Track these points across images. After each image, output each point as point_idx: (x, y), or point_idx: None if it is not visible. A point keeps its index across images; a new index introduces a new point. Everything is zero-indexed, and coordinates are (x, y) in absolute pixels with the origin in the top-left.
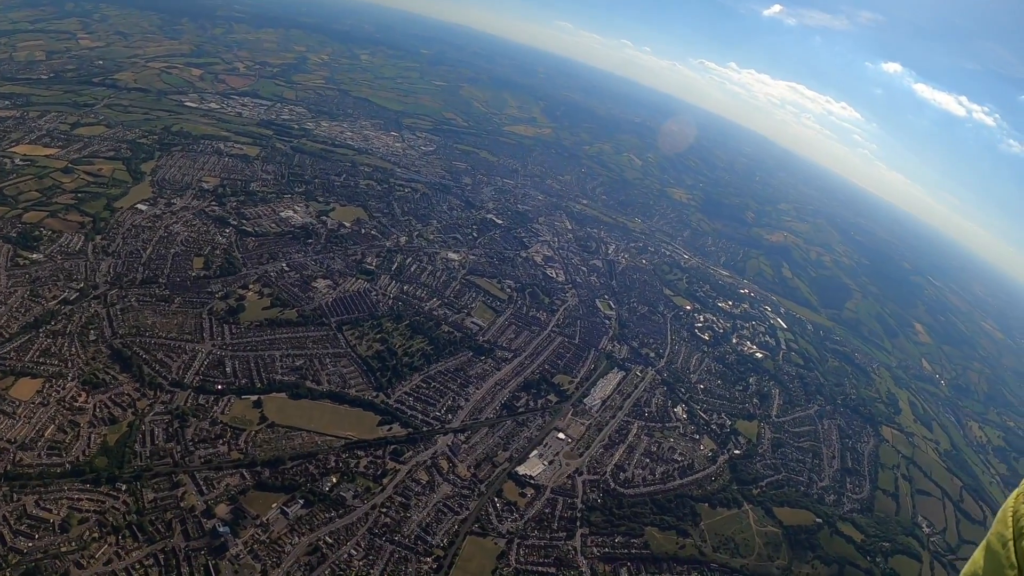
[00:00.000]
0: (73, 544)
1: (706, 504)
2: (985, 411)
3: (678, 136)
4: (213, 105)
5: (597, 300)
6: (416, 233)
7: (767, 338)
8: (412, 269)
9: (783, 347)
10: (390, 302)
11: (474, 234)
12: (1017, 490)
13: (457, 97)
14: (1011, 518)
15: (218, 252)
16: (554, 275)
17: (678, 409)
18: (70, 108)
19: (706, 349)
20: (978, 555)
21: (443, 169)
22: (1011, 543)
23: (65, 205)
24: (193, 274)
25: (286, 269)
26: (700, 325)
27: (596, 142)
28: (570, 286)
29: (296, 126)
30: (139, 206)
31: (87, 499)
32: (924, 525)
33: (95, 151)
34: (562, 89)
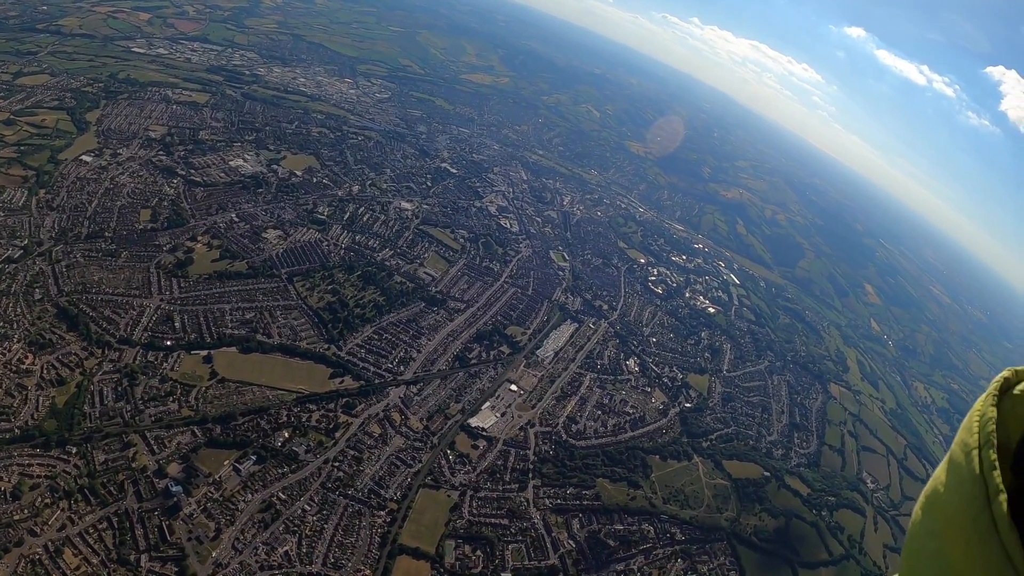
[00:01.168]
0: (25, 511)
1: (657, 456)
2: (931, 372)
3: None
4: (161, 51)
5: (551, 251)
6: (369, 182)
7: (720, 293)
8: (364, 219)
9: (735, 303)
10: (342, 252)
11: (428, 183)
12: (987, 391)
13: (414, 43)
14: (977, 423)
15: (165, 204)
16: (508, 226)
17: (630, 362)
18: (12, 57)
19: (659, 303)
20: (940, 470)
21: (398, 117)
22: (975, 451)
23: (7, 159)
24: (140, 227)
25: (235, 220)
26: (654, 278)
27: (554, 92)
28: (524, 237)
29: (247, 72)
30: (84, 157)
31: (38, 464)
32: (869, 481)
33: (38, 101)
34: (522, 38)
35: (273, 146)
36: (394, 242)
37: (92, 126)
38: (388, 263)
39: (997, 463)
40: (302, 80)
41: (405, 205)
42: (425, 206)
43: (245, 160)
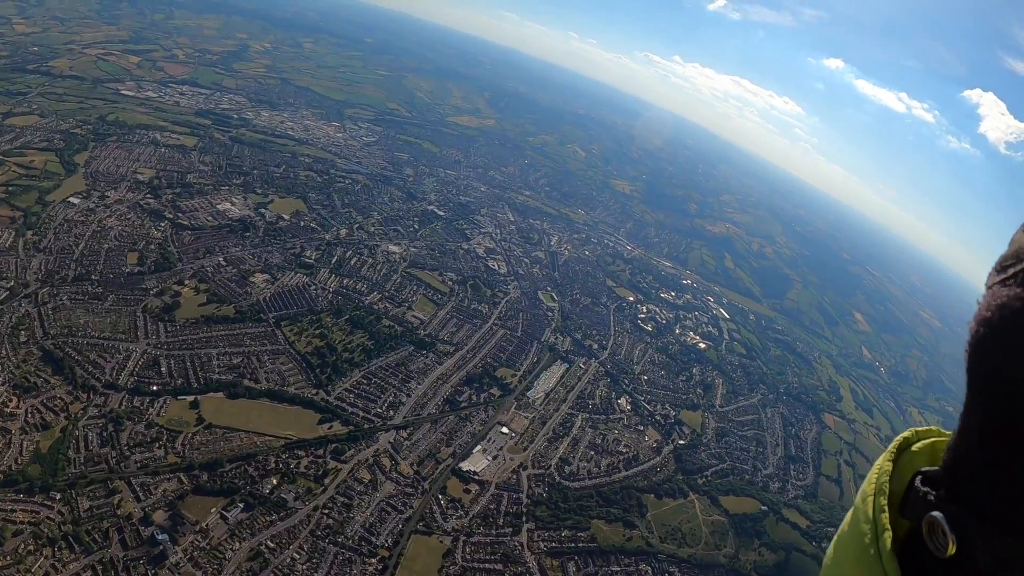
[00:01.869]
0: (8, 558)
1: (652, 495)
2: (924, 397)
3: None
4: (150, 93)
5: (540, 292)
6: (356, 225)
7: (710, 328)
8: (352, 262)
9: (726, 337)
10: (330, 296)
11: (415, 226)
12: (888, 449)
13: (401, 87)
14: (875, 475)
15: (153, 247)
16: (496, 267)
17: (622, 401)
18: (2, 97)
19: (649, 340)
20: (848, 514)
21: (385, 160)
22: (870, 498)
23: None
24: (127, 270)
25: (223, 264)
26: (643, 316)
27: (540, 133)
28: (512, 278)
29: (235, 116)
30: (72, 199)
31: (21, 510)
32: None
33: (27, 142)
34: (507, 80)
35: (261, 190)
36: (382, 286)
37: (80, 168)
38: (376, 307)
39: (886, 507)
40: (290, 124)
41: (393, 248)
42: (413, 249)
43: (233, 204)
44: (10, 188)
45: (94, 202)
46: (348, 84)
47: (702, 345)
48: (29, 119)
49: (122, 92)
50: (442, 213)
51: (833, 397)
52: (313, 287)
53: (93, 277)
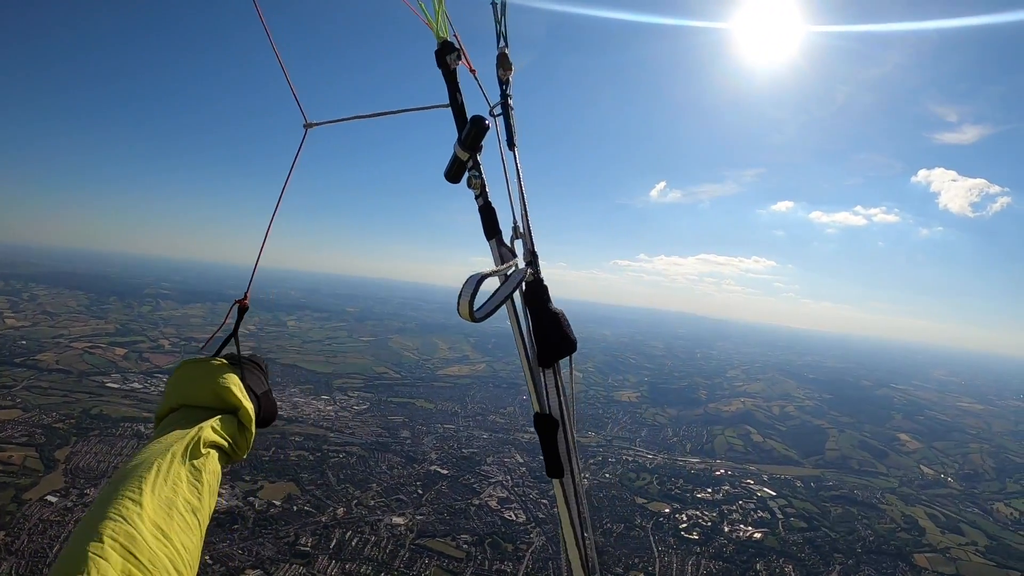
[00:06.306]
0: None
1: None
2: (1002, 486)
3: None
4: (136, 385)
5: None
6: (355, 501)
7: (760, 513)
8: (354, 543)
9: (780, 515)
10: None
11: (419, 491)
12: None
13: (387, 350)
14: None
15: None
16: (514, 517)
17: None
18: None
19: (699, 549)
20: None
21: (379, 426)
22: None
23: None
24: None
25: (209, 563)
26: (685, 525)
27: None
28: (533, 524)
29: None
30: (49, 498)
31: None
32: None
33: (8, 436)
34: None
35: (249, 476)
36: (389, 564)
37: (60, 464)
38: None
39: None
40: (278, 404)
41: (397, 520)
42: (419, 517)
43: (219, 495)
44: None
45: (72, 500)
46: (335, 355)
47: (758, 535)
48: (11, 413)
49: (107, 385)
50: (446, 471)
51: (915, 533)
52: None
53: None
